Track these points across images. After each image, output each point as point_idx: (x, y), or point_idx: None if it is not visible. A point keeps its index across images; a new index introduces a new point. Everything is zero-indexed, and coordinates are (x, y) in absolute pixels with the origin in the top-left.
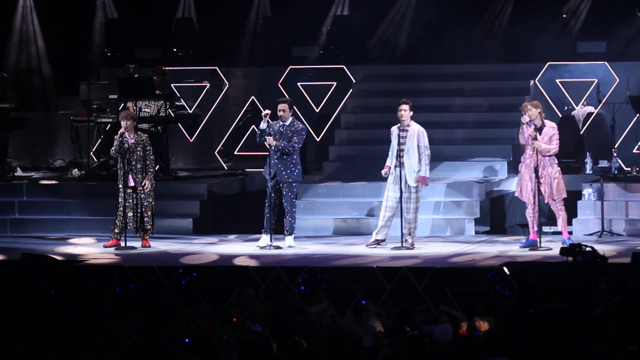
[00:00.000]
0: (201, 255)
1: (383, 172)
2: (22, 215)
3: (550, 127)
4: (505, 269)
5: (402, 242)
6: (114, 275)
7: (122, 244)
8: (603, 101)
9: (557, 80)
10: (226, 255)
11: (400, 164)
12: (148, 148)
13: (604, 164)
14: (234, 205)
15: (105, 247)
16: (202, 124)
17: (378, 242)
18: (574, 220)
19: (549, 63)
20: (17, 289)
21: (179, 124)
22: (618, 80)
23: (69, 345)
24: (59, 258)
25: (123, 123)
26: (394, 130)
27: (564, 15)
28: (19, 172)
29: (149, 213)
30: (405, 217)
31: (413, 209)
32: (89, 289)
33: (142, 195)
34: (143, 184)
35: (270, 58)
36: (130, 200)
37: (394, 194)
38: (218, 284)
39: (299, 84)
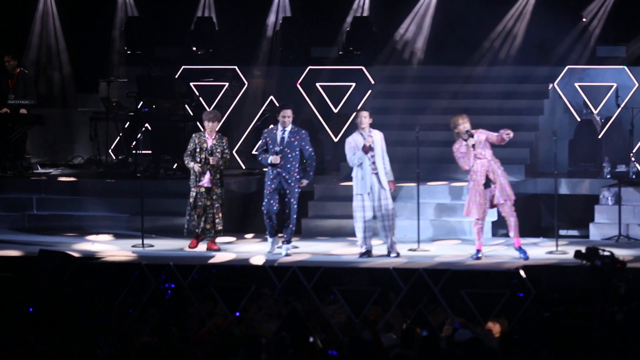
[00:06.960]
0: (218, 254)
1: (367, 143)
2: (40, 211)
3: (480, 132)
4: (522, 272)
5: (389, 248)
6: (131, 273)
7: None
8: (622, 105)
9: (576, 84)
10: (243, 254)
11: (374, 171)
12: (226, 151)
13: (621, 168)
14: (252, 204)
15: (190, 248)
16: (221, 123)
17: (369, 254)
18: (591, 224)
19: (568, 67)
20: (34, 285)
21: (198, 123)
22: (637, 84)
23: (84, 342)
24: (76, 255)
25: (208, 124)
26: (357, 139)
27: (584, 19)
28: (38, 169)
29: (220, 215)
30: (388, 223)
31: (393, 214)
32: (106, 286)
33: (214, 197)
34: (222, 187)
35: (289, 58)
36: (203, 200)
37: (370, 203)
38: (234, 282)
39: (317, 84)
